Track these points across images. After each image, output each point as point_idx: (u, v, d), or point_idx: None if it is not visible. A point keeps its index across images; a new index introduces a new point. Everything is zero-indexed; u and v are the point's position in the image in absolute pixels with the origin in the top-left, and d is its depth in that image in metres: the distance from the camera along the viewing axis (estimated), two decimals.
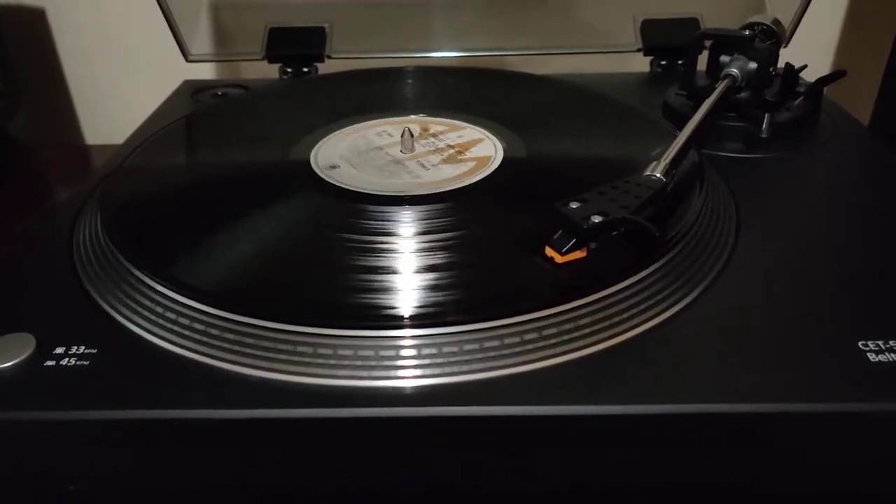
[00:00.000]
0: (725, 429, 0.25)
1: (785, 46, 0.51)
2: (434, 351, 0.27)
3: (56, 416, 0.25)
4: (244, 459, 0.26)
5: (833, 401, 0.25)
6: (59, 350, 0.28)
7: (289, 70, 0.58)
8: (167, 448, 0.26)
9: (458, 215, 0.34)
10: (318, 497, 0.28)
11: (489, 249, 0.32)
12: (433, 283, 0.29)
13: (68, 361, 0.27)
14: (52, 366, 0.27)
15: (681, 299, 0.30)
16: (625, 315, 0.28)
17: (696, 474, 0.27)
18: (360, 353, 0.27)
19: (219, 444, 0.26)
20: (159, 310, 0.29)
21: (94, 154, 0.74)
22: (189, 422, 0.25)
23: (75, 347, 0.28)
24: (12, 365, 0.27)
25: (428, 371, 0.26)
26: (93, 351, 0.28)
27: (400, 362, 0.26)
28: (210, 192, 0.38)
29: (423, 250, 0.31)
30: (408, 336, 0.27)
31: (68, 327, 0.29)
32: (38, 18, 0.72)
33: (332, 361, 0.26)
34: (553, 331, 0.27)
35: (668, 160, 0.34)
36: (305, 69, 0.58)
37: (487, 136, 0.42)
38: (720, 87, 0.42)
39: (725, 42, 0.45)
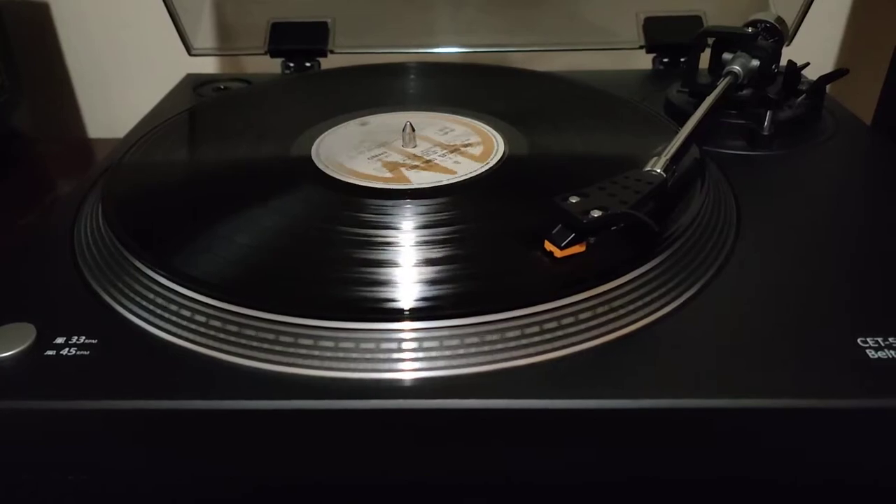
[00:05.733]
0: (724, 424, 0.26)
1: (788, 44, 0.50)
2: (433, 344, 0.27)
3: (56, 405, 0.26)
4: (244, 450, 0.27)
5: (832, 397, 0.25)
6: (60, 340, 0.28)
7: (291, 65, 0.58)
8: (167, 438, 0.26)
9: (458, 209, 0.34)
10: (316, 488, 0.28)
11: (489, 243, 0.32)
12: (433, 276, 0.29)
13: (69, 351, 0.27)
14: (52, 356, 0.27)
15: (681, 294, 0.30)
16: (624, 310, 0.28)
17: (694, 469, 0.27)
18: (362, 345, 0.27)
19: (218, 434, 0.26)
20: (160, 301, 0.29)
21: (96, 147, 0.74)
22: (189, 412, 0.25)
23: (76, 337, 0.28)
24: (13, 354, 0.27)
25: (427, 364, 0.26)
26: (93, 341, 0.28)
27: (399, 355, 0.26)
28: (211, 185, 0.38)
29: (423, 244, 0.31)
30: (407, 329, 0.27)
31: (69, 318, 0.29)
32: (41, 12, 0.72)
33: (332, 354, 0.26)
34: (552, 325, 0.27)
35: (668, 156, 0.34)
36: (308, 64, 0.58)
37: (492, 132, 0.42)
38: (722, 84, 0.42)
39: (728, 39, 0.45)
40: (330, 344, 0.27)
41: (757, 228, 0.34)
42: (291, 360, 0.27)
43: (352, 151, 0.40)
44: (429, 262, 0.30)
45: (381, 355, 0.26)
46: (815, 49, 0.54)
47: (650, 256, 0.30)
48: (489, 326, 0.27)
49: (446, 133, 0.42)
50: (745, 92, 0.44)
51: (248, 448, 0.26)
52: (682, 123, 0.38)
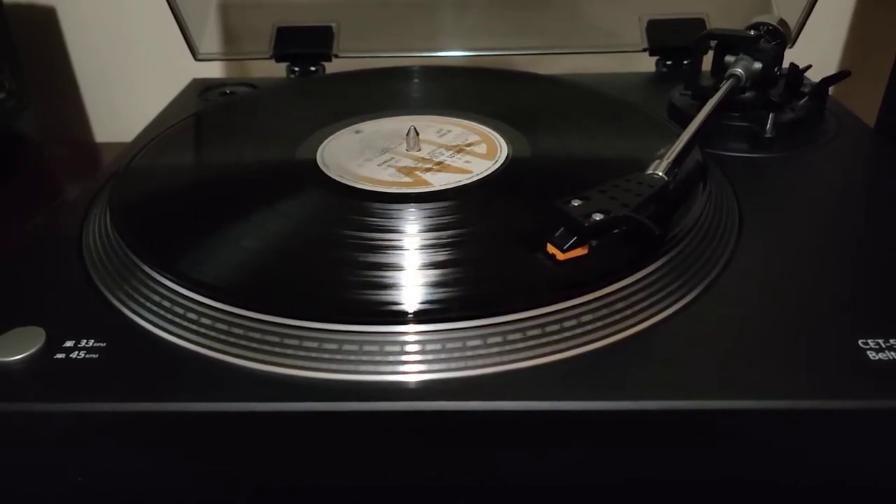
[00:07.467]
0: (726, 425, 0.26)
1: (790, 47, 0.51)
2: (437, 346, 0.27)
3: (65, 408, 0.26)
4: (251, 452, 0.27)
5: (833, 398, 0.25)
6: (69, 343, 0.28)
7: (296, 69, 0.59)
8: (174, 440, 0.27)
9: (461, 213, 0.34)
10: (321, 490, 0.28)
11: (492, 246, 0.32)
12: (437, 279, 0.29)
13: (78, 354, 0.27)
14: (61, 359, 0.27)
15: (683, 297, 0.30)
16: (626, 312, 0.28)
17: (696, 470, 0.27)
18: (367, 347, 0.27)
19: (225, 436, 0.26)
20: (167, 304, 0.29)
21: (103, 152, 0.74)
22: (196, 415, 0.26)
23: (85, 341, 0.28)
24: (23, 357, 0.27)
25: (430, 366, 0.27)
26: (102, 344, 0.28)
27: (404, 357, 0.27)
28: (217, 189, 0.38)
29: (427, 247, 0.31)
30: (411, 332, 0.27)
31: (78, 321, 0.29)
32: (48, 16, 0.72)
33: (338, 356, 0.27)
34: (554, 327, 0.27)
35: (670, 159, 0.34)
36: (313, 68, 0.58)
37: (495, 136, 0.42)
38: (724, 87, 0.42)
39: (730, 42, 0.46)
40: (336, 346, 0.27)
41: (759, 230, 0.34)
42: (298, 362, 0.27)
43: (358, 158, 0.40)
44: (432, 265, 0.30)
45: (387, 357, 0.27)
46: (817, 51, 0.54)
47: (652, 259, 0.30)
48: (492, 329, 0.27)
49: (444, 135, 0.42)
50: (747, 94, 0.44)
51: (255, 450, 0.27)
52: (684, 126, 0.38)
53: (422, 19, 0.60)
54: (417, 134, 0.41)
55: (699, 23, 0.57)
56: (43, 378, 0.27)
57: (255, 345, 0.27)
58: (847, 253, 0.33)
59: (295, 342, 0.27)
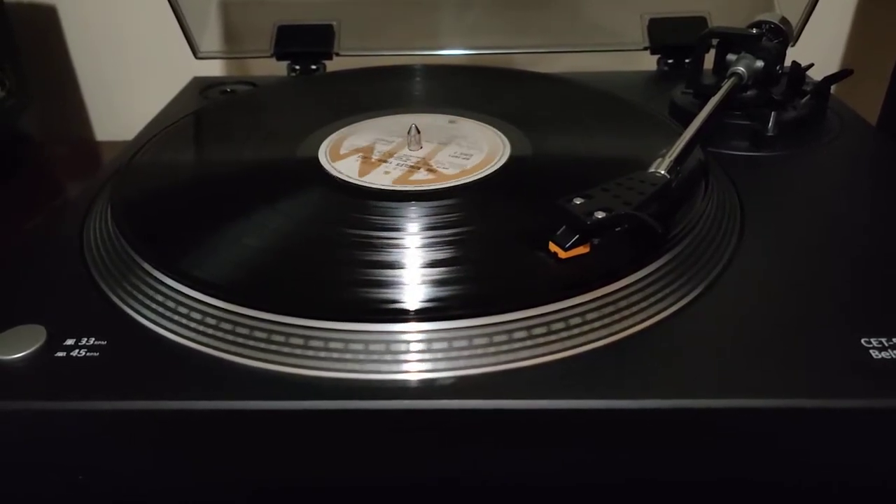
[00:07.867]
0: (728, 424, 0.26)
1: (792, 45, 0.50)
2: (439, 345, 0.27)
3: (66, 406, 0.26)
4: (252, 451, 0.27)
5: (835, 397, 0.25)
6: (70, 341, 0.28)
7: (297, 67, 0.59)
8: (175, 439, 0.27)
9: (463, 211, 0.34)
10: (322, 490, 0.28)
11: (494, 245, 0.32)
12: (438, 277, 0.29)
13: (78, 353, 0.27)
14: (62, 357, 0.27)
15: (685, 296, 0.30)
16: (628, 311, 0.28)
17: (698, 470, 0.27)
18: (371, 346, 0.27)
19: (226, 435, 0.26)
20: (168, 303, 0.29)
21: (104, 150, 0.74)
22: (198, 413, 0.26)
23: (85, 339, 0.28)
24: (24, 356, 0.27)
25: (432, 365, 0.26)
26: (102, 342, 0.28)
27: (405, 356, 0.27)
28: (219, 187, 0.38)
29: (429, 245, 0.31)
30: (413, 330, 0.27)
31: (79, 319, 0.29)
32: (49, 15, 0.72)
33: (340, 355, 0.27)
34: (556, 326, 0.27)
35: (672, 157, 0.34)
36: (314, 66, 0.58)
37: (497, 134, 0.42)
38: (726, 85, 0.42)
39: (732, 40, 0.46)
40: (342, 345, 0.27)
41: (761, 229, 0.34)
42: (300, 361, 0.27)
43: (370, 137, 0.42)
44: (434, 263, 0.30)
45: (387, 357, 0.27)
46: (819, 50, 0.54)
47: (654, 258, 0.30)
48: (493, 328, 0.27)
49: (458, 156, 0.40)
50: (749, 93, 0.44)
51: (258, 449, 0.27)
52: (686, 124, 0.38)
53: (422, 17, 0.60)
54: (419, 132, 0.41)
55: (701, 21, 0.57)
56: (44, 376, 0.27)
57: (256, 343, 0.27)
58: (850, 251, 0.33)
59: (300, 341, 0.27)
